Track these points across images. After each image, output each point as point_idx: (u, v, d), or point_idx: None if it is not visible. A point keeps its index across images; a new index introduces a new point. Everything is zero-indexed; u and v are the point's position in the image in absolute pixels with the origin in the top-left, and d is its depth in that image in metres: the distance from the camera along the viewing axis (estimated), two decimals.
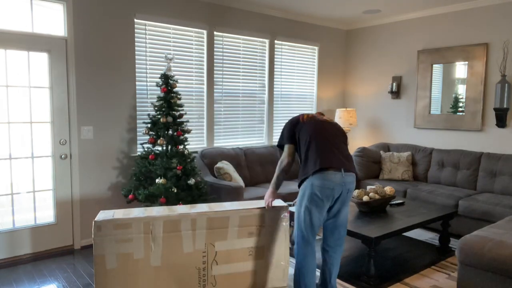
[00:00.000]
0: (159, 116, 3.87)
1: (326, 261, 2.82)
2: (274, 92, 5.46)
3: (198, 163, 4.45)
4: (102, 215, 2.68)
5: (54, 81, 3.73)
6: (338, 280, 3.21)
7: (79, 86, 3.85)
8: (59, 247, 3.89)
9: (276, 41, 5.39)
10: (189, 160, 3.92)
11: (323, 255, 2.83)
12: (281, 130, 3.05)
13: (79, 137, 3.89)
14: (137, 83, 4.23)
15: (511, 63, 4.50)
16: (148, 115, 3.94)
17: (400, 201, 3.98)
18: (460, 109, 4.95)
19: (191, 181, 3.83)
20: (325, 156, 2.59)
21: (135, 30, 4.17)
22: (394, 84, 5.57)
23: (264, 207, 2.93)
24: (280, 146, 2.88)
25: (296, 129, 2.78)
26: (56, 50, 3.72)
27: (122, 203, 4.21)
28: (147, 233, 2.65)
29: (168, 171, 3.75)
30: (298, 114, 2.89)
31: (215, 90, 4.85)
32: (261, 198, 4.16)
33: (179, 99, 3.94)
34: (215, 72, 4.83)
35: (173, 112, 3.90)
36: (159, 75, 4.10)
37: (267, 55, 5.33)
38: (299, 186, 2.72)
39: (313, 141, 2.65)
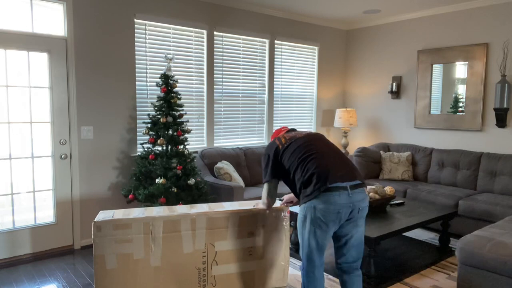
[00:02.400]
0: (159, 116, 3.87)
1: (344, 285, 2.44)
2: (274, 92, 5.46)
3: (198, 163, 4.45)
4: (102, 215, 2.68)
5: (54, 81, 3.73)
6: (338, 280, 3.21)
7: (79, 86, 3.85)
8: (59, 247, 3.89)
9: (276, 41, 5.39)
10: (189, 160, 3.92)
11: (340, 277, 2.45)
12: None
13: (79, 137, 3.89)
14: (137, 83, 4.23)
15: (511, 63, 4.50)
16: (148, 115, 3.94)
17: (400, 201, 3.98)
18: (460, 109, 4.95)
19: (191, 181, 3.83)
20: (326, 172, 2.21)
21: (135, 30, 4.17)
22: (394, 84, 5.56)
23: (264, 208, 2.93)
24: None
25: (280, 157, 2.43)
26: (56, 50, 3.72)
27: (122, 203, 4.21)
28: (147, 234, 2.65)
29: (168, 171, 3.75)
30: (272, 140, 2.54)
31: (215, 90, 4.85)
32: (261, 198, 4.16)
33: (179, 99, 3.94)
34: (215, 72, 4.83)
35: (173, 112, 3.90)
36: (159, 75, 4.10)
37: (267, 55, 5.33)
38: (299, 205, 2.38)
39: (308, 160, 2.29)
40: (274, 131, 5.44)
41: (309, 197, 2.23)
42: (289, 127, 2.74)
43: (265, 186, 2.55)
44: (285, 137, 2.49)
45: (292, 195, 2.75)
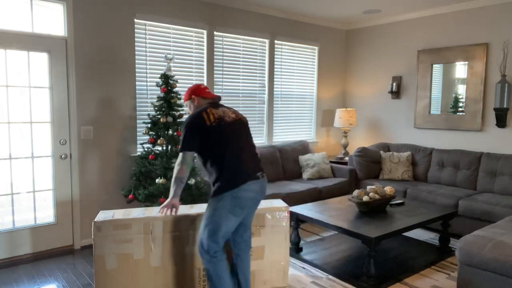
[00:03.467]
0: (159, 116, 3.87)
1: (238, 266, 2.66)
2: (274, 92, 5.46)
3: (198, 163, 4.45)
4: (102, 215, 2.68)
5: (54, 81, 3.72)
6: (338, 280, 3.21)
7: (79, 86, 3.85)
8: (59, 247, 3.89)
9: (276, 41, 5.39)
10: None
11: (236, 262, 2.67)
12: (184, 133, 2.44)
13: (79, 137, 3.89)
14: (137, 83, 4.23)
15: (511, 63, 4.50)
16: (148, 115, 3.94)
17: (400, 201, 3.98)
18: (460, 109, 4.95)
19: (191, 181, 3.83)
20: (244, 167, 2.43)
21: (135, 30, 4.17)
22: (394, 84, 5.56)
23: (265, 208, 2.93)
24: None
25: (203, 135, 2.41)
26: (56, 50, 3.72)
27: (122, 203, 4.21)
28: (147, 234, 2.65)
29: (168, 171, 3.75)
30: (198, 111, 2.47)
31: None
32: None
33: (179, 99, 3.94)
34: (215, 72, 4.83)
35: (173, 112, 3.90)
36: (159, 75, 4.10)
37: (267, 55, 5.33)
38: (212, 196, 2.43)
39: (229, 151, 2.40)
40: (274, 131, 5.46)
41: (229, 187, 2.38)
42: (208, 91, 2.64)
43: (181, 155, 2.44)
44: (213, 113, 2.45)
45: (171, 201, 2.56)
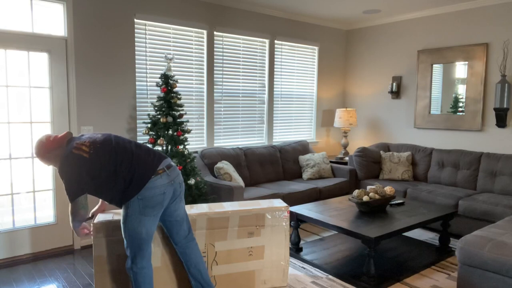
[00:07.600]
0: (159, 116, 3.87)
1: (189, 262, 2.61)
2: (274, 92, 5.46)
3: (198, 163, 4.45)
4: (102, 216, 2.68)
5: (54, 81, 3.72)
6: (338, 280, 3.21)
7: (79, 86, 3.85)
8: (59, 247, 3.89)
9: (276, 41, 5.39)
10: (189, 160, 3.92)
11: (184, 259, 2.62)
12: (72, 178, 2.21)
13: None
14: (137, 83, 4.23)
15: (511, 63, 4.50)
16: (148, 115, 3.94)
17: (400, 201, 3.98)
18: (460, 109, 4.95)
19: (191, 181, 3.83)
20: (144, 164, 2.32)
21: (135, 30, 4.17)
22: (394, 84, 5.56)
23: (265, 207, 2.94)
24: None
25: (90, 166, 2.22)
26: (56, 50, 3.72)
27: None
28: None
29: None
30: (70, 154, 2.22)
31: (215, 90, 4.85)
32: (261, 198, 4.16)
33: (179, 99, 3.94)
34: (215, 72, 4.83)
35: (173, 112, 3.90)
36: (159, 75, 4.10)
37: (267, 55, 5.33)
38: (121, 206, 2.36)
39: (125, 161, 2.29)
40: (274, 131, 5.46)
41: (135, 191, 2.29)
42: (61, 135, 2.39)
43: (75, 202, 2.25)
44: (84, 144, 2.27)
45: (99, 208, 2.65)
